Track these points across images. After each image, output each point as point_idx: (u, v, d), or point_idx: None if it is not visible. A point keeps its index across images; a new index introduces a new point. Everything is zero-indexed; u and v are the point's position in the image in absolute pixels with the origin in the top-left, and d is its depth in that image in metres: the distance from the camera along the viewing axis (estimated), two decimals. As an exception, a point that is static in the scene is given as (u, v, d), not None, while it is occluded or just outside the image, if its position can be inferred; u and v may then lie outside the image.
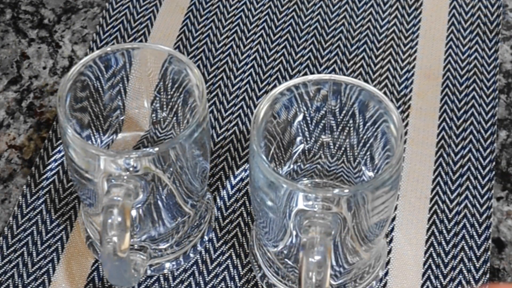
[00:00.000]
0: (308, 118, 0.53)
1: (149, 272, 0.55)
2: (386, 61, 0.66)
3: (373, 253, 0.53)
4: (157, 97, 0.56)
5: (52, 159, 0.61)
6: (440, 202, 0.59)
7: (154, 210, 0.52)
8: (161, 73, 0.54)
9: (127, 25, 0.69)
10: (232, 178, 0.60)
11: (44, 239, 0.57)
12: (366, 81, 0.65)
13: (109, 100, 0.56)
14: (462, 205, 0.59)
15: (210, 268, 0.56)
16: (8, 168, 0.61)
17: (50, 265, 0.56)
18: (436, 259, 0.56)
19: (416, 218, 0.58)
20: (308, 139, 0.54)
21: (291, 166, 0.55)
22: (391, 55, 0.67)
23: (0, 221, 0.58)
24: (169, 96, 0.56)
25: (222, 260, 0.56)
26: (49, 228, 0.58)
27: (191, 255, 0.56)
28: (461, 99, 0.64)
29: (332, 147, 0.55)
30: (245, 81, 0.65)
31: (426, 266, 0.56)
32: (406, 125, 0.63)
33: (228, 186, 0.60)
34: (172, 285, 0.55)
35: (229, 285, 0.55)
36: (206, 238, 0.57)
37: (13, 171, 0.61)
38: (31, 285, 0.55)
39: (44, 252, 0.57)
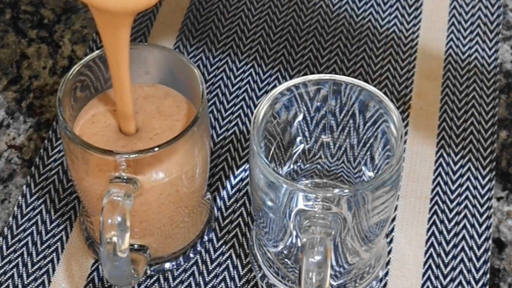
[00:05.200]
0: (308, 118, 0.53)
1: (149, 272, 0.55)
2: (386, 61, 0.66)
3: (373, 253, 0.53)
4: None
5: (52, 159, 0.61)
6: (440, 202, 0.59)
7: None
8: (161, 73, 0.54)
9: (127, 25, 0.69)
10: (232, 178, 0.60)
11: (44, 239, 0.57)
12: (366, 81, 0.65)
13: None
14: (462, 205, 0.59)
15: (210, 268, 0.56)
16: (8, 168, 0.61)
17: (50, 265, 0.56)
18: (436, 259, 0.56)
19: (416, 218, 0.58)
20: (308, 139, 0.54)
21: (291, 166, 0.55)
22: (391, 55, 0.67)
23: (0, 221, 0.58)
24: (169, 96, 0.56)
25: (222, 260, 0.56)
26: (49, 228, 0.58)
27: (191, 255, 0.56)
28: (461, 99, 0.64)
29: (332, 147, 0.55)
30: (245, 81, 0.65)
31: (426, 266, 0.56)
32: (406, 125, 0.63)
33: (228, 186, 0.60)
34: (172, 285, 0.55)
35: (229, 285, 0.55)
36: (206, 238, 0.57)
37: (13, 171, 0.61)
38: (31, 285, 0.55)
39: (44, 252, 0.57)
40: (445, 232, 0.57)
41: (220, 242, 0.57)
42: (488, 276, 0.55)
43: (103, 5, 0.46)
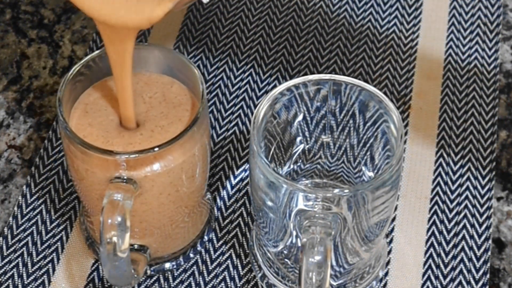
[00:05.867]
0: (308, 118, 0.53)
1: (149, 272, 0.55)
2: (386, 61, 0.66)
3: (373, 253, 0.53)
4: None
5: (52, 159, 0.61)
6: (440, 202, 0.59)
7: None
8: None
9: (127, 25, 0.69)
10: (232, 178, 0.60)
11: (44, 239, 0.57)
12: (366, 81, 0.65)
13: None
14: (462, 205, 0.59)
15: (210, 268, 0.56)
16: (8, 168, 0.61)
17: (50, 265, 0.56)
18: (436, 259, 0.56)
19: (416, 218, 0.58)
20: (308, 139, 0.54)
21: (291, 166, 0.55)
22: (391, 55, 0.67)
23: (0, 221, 0.58)
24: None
25: (222, 260, 0.56)
26: (49, 228, 0.58)
27: (191, 255, 0.56)
28: (461, 99, 0.64)
29: (332, 147, 0.55)
30: (245, 81, 0.65)
31: (426, 266, 0.56)
32: (406, 125, 0.63)
33: (228, 186, 0.60)
34: (172, 285, 0.55)
35: (229, 285, 0.55)
36: (206, 238, 0.57)
37: (13, 171, 0.61)
38: (31, 285, 0.55)
39: (44, 252, 0.57)
40: (445, 232, 0.57)
41: (220, 242, 0.57)
42: (488, 276, 0.55)
43: (112, 21, 0.47)
